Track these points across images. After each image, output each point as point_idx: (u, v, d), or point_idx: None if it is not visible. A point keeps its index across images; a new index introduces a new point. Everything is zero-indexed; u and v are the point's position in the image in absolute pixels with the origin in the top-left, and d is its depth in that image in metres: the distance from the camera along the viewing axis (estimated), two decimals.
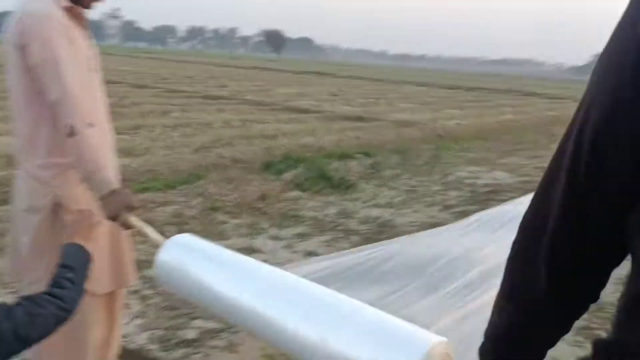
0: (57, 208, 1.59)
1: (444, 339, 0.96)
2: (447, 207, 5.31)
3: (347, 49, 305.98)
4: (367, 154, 6.81)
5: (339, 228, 4.54)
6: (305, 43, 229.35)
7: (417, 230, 4.52)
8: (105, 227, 1.64)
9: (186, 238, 1.41)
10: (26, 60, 1.52)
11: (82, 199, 1.62)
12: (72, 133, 1.48)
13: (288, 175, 5.55)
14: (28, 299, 1.11)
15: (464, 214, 5.06)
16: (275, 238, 4.19)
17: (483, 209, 5.27)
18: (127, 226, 1.55)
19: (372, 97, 19.33)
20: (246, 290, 1.18)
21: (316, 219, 4.73)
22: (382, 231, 4.50)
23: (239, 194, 4.88)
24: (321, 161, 6.09)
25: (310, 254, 3.92)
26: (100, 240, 1.65)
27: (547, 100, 24.61)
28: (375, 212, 5.05)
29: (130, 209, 1.54)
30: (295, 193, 5.36)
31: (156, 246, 1.42)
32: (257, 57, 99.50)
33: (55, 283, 1.17)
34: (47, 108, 1.55)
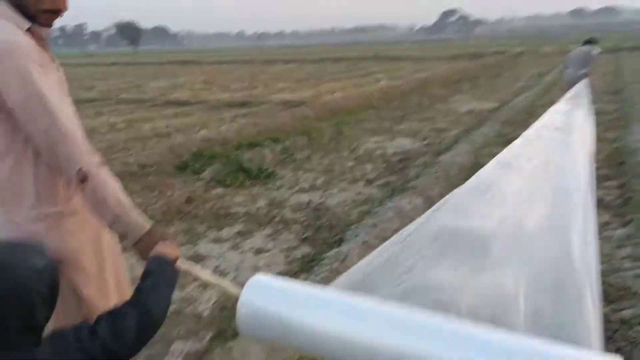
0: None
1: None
2: (369, 182, 5.44)
3: (204, 33, 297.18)
4: (275, 140, 6.72)
5: (276, 220, 4.45)
6: (160, 32, 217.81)
7: (352, 209, 4.60)
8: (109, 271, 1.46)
9: (262, 279, 1.28)
10: (2, 101, 1.25)
11: (85, 250, 1.41)
12: (85, 178, 1.27)
13: (207, 174, 5.30)
14: (110, 313, 1.11)
15: (388, 185, 5.25)
16: (217, 241, 4.01)
17: (403, 177, 5.51)
18: None
19: (245, 81, 19.09)
20: (363, 329, 1.08)
21: (250, 214, 4.59)
22: (319, 215, 4.49)
23: (165, 201, 4.57)
24: (234, 153, 5.89)
25: (260, 251, 3.82)
26: (109, 288, 1.46)
27: (411, 63, 26.08)
28: (303, 197, 5.02)
29: (171, 250, 1.38)
30: (219, 190, 5.15)
31: (214, 287, 1.28)
32: (112, 53, 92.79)
33: (136, 291, 1.16)
34: (32, 151, 1.30)
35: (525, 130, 7.42)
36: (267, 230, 4.21)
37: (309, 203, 4.84)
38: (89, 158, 1.31)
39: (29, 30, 1.34)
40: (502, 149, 6.93)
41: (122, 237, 1.36)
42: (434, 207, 3.14)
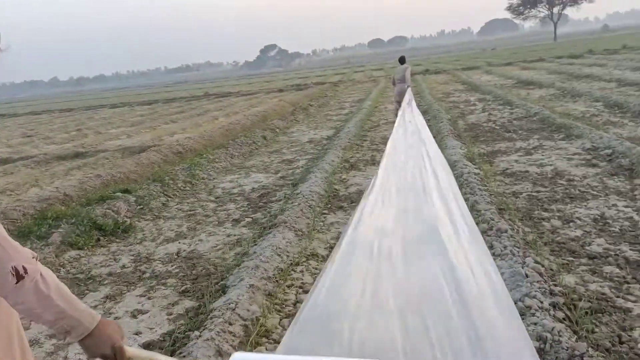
0: None
1: None
2: (236, 221, 5.38)
3: (12, 83, 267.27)
4: (125, 191, 6.29)
5: (146, 276, 4.17)
6: None
7: (226, 252, 4.51)
8: None
9: (244, 356, 1.20)
10: None
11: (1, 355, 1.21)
12: (20, 276, 1.10)
13: (55, 237, 4.75)
14: None
15: (256, 223, 5.25)
16: None
17: (267, 212, 5.55)
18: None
19: (72, 130, 17.65)
20: None
21: (115, 274, 4.24)
22: (194, 264, 4.32)
23: None
24: (82, 211, 5.39)
25: (137, 313, 3.54)
26: None
27: (242, 98, 26.46)
28: (171, 247, 4.79)
29: (121, 337, 1.25)
30: (72, 253, 4.66)
31: None
32: None
33: None
34: None
35: (362, 152, 7.96)
36: (140, 289, 3.93)
37: (178, 253, 4.62)
38: (19, 254, 1.13)
39: None
40: (349, 173, 7.39)
41: (65, 334, 1.20)
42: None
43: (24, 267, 1.13)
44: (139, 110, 25.09)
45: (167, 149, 9.50)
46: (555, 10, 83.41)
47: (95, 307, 3.67)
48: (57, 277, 1.23)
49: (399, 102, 9.34)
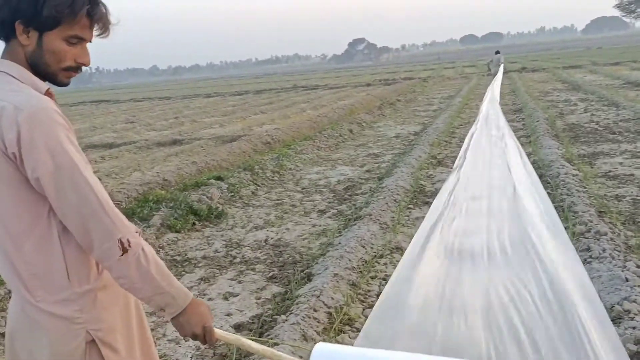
0: (92, 348, 1.28)
1: None
2: (322, 212, 5.50)
3: (115, 70, 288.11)
4: (218, 178, 6.62)
5: (236, 261, 4.38)
6: None
7: (312, 242, 4.62)
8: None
9: (325, 348, 1.26)
10: (24, 172, 1.18)
11: (117, 326, 1.33)
12: (125, 249, 1.20)
13: (156, 219, 5.11)
14: None
15: (341, 215, 5.33)
16: None
17: (352, 205, 5.61)
18: (213, 341, 1.34)
19: (170, 118, 18.68)
20: None
21: (209, 258, 4.49)
22: (281, 252, 4.47)
23: None
24: (180, 195, 5.74)
25: (228, 295, 3.74)
26: None
27: (330, 91, 26.73)
28: (260, 234, 4.98)
29: (212, 319, 1.34)
30: (171, 235, 4.98)
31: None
32: None
33: None
34: (59, 225, 1.23)
35: (450, 149, 7.85)
36: (231, 273, 4.13)
37: (266, 240, 4.80)
38: (126, 227, 1.23)
39: (49, 92, 1.28)
40: (437, 169, 7.28)
41: (160, 310, 1.28)
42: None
43: (128, 240, 1.20)
44: (230, 100, 26.12)
45: (256, 139, 9.85)
46: None
47: (190, 288, 3.91)
48: None
49: (494, 75, 18.37)
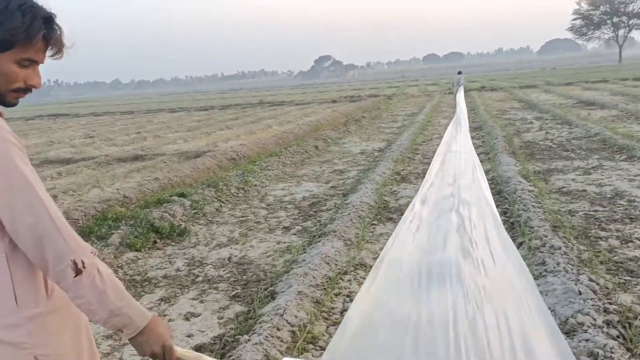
0: None
1: None
2: (286, 229, 5.49)
3: (75, 83, 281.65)
4: (182, 195, 6.53)
5: (199, 280, 4.32)
6: None
7: (276, 259, 4.61)
8: None
9: None
10: None
11: (67, 350, 1.30)
12: (79, 271, 1.17)
13: (115, 238, 4.99)
14: None
15: (306, 231, 5.33)
16: None
17: (317, 221, 5.62)
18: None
19: (132, 132, 18.36)
20: None
21: (170, 277, 4.41)
22: (244, 270, 4.44)
23: None
24: (141, 213, 5.63)
25: (189, 316, 3.67)
26: None
27: (296, 107, 26.85)
28: (224, 252, 4.93)
29: (171, 338, 1.32)
30: (130, 254, 4.87)
31: None
32: None
33: None
34: (9, 249, 1.20)
35: (414, 165, 8.07)
36: (192, 293, 4.06)
37: (230, 258, 4.76)
38: (80, 248, 1.21)
39: None
40: (400, 186, 7.40)
41: (118, 331, 1.26)
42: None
43: (82, 262, 1.18)
44: (195, 115, 25.88)
45: (221, 155, 9.78)
46: (621, 32, 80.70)
47: (150, 308, 3.82)
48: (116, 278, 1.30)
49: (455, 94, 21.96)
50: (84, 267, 1.18)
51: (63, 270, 1.17)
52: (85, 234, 5.17)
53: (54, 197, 7.89)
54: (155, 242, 5.21)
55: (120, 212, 5.64)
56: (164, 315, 3.69)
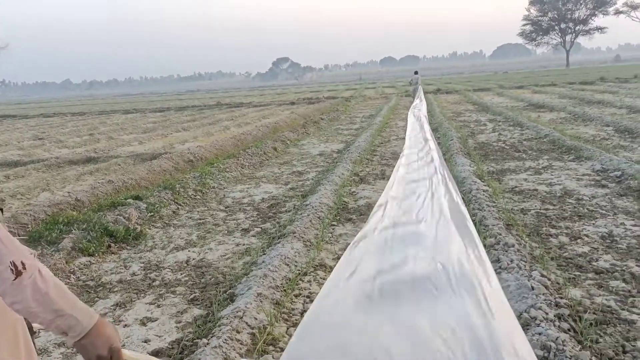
0: None
1: None
2: (245, 231, 5.43)
3: (24, 83, 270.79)
4: (137, 197, 6.36)
5: (155, 284, 4.21)
6: None
7: (235, 261, 4.55)
8: None
9: None
10: None
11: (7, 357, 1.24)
12: (19, 272, 1.12)
13: (66, 242, 4.81)
14: None
15: (265, 233, 5.30)
16: None
17: (276, 223, 5.59)
18: None
19: (84, 134, 17.81)
20: None
21: (125, 282, 4.28)
22: (203, 273, 4.36)
23: None
24: (94, 216, 5.45)
25: (146, 321, 3.58)
26: None
27: (254, 109, 26.66)
28: (181, 255, 4.83)
29: (119, 340, 1.26)
30: (83, 259, 4.71)
31: None
32: None
33: None
34: None
35: (372, 167, 8.16)
36: (149, 297, 3.97)
37: (188, 261, 4.67)
38: (18, 250, 1.15)
39: None
40: (359, 187, 7.45)
41: (63, 334, 1.20)
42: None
43: (22, 263, 1.13)
44: (151, 117, 25.32)
45: (178, 157, 9.60)
46: (568, 38, 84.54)
47: (105, 314, 3.71)
48: (67, 284, 1.25)
49: (414, 96, 20.39)
50: (25, 269, 1.13)
51: (2, 272, 1.11)
52: (35, 238, 4.96)
53: (1, 200, 7.59)
54: (109, 246, 5.06)
55: (72, 215, 5.44)
56: (119, 322, 3.59)
